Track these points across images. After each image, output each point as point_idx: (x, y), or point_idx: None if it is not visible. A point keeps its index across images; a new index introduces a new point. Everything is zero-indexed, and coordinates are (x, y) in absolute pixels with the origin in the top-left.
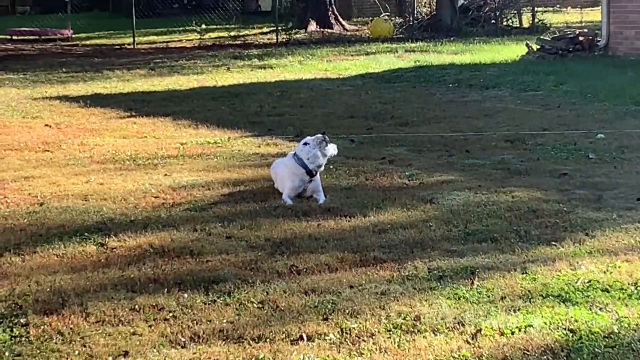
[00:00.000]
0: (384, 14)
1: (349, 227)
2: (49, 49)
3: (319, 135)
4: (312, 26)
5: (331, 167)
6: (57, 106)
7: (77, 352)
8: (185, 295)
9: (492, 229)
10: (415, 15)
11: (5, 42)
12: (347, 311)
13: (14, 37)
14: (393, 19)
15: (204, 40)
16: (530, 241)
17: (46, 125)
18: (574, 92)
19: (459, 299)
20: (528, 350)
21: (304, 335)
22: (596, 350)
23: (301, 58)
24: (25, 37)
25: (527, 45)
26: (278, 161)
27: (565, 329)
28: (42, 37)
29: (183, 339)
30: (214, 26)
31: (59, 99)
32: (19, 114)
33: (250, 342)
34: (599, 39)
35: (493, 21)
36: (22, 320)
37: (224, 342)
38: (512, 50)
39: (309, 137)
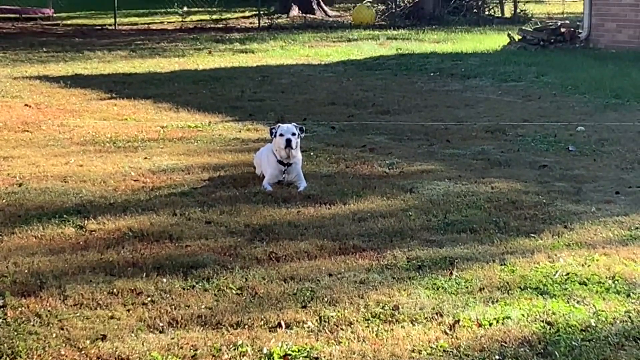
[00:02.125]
0: (366, 0)
1: (329, 215)
2: (30, 27)
3: (274, 125)
4: (295, 11)
5: (312, 154)
6: (37, 86)
7: (54, 335)
8: (164, 279)
9: (472, 220)
10: (398, 3)
11: None
12: (325, 299)
13: None
14: (375, 5)
15: (185, 23)
16: (509, 232)
17: (26, 105)
18: (554, 83)
19: (438, 289)
20: (505, 342)
21: (283, 323)
22: (573, 343)
23: (283, 43)
24: (6, 15)
25: (508, 35)
26: (262, 148)
27: (542, 321)
28: (23, 16)
29: (161, 324)
30: (196, 9)
31: (39, 78)
32: None
33: (229, 328)
34: (580, 31)
35: (475, 10)
36: None
37: (202, 328)
38: (493, 40)
39: (281, 126)
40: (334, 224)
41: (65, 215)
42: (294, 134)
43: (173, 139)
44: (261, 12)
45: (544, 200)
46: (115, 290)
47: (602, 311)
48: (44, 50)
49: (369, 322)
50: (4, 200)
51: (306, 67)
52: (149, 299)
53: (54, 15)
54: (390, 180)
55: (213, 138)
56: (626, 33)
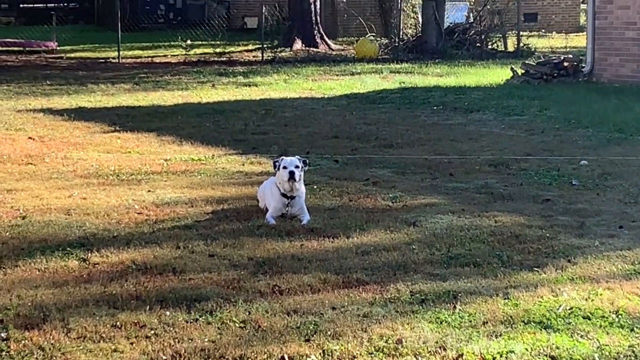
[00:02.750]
0: (369, 34)
1: (332, 248)
2: (33, 60)
3: (277, 158)
4: (298, 45)
5: (315, 187)
6: (40, 119)
7: None
8: (167, 313)
9: (475, 254)
10: (401, 37)
11: None
12: (329, 333)
13: None
14: (378, 39)
15: (189, 56)
16: (512, 266)
17: (29, 138)
18: (557, 117)
19: (441, 323)
20: None
21: (286, 356)
22: None
23: (286, 76)
24: (10, 49)
25: (512, 69)
26: (266, 182)
27: (546, 355)
28: (27, 49)
29: (164, 357)
30: (200, 42)
31: (43, 111)
32: (1, 126)
33: None
34: (583, 65)
35: (478, 44)
36: (2, 335)
37: None
38: (497, 74)
39: (285, 159)
40: (337, 258)
41: (68, 248)
42: (297, 167)
43: (176, 172)
44: (264, 46)
45: (548, 234)
46: (118, 323)
47: (606, 345)
48: (47, 83)
49: (373, 355)
50: (7, 233)
51: (309, 101)
52: (152, 332)
53: (58, 48)
54: (393, 214)
55: (216, 171)
56: (629, 67)
